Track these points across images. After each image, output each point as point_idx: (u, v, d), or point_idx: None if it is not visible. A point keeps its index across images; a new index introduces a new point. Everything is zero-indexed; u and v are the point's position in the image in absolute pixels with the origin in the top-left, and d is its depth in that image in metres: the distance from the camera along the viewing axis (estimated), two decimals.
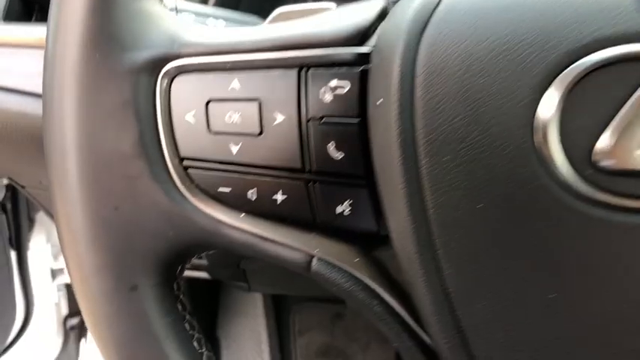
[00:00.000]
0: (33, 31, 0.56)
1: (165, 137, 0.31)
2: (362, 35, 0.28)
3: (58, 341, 1.22)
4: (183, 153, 0.31)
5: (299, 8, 0.43)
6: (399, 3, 0.27)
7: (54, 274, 1.21)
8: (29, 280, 1.20)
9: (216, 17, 0.51)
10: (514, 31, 0.22)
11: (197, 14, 0.52)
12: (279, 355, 1.01)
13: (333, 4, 0.44)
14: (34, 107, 0.53)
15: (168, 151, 0.31)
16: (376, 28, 0.28)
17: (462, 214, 0.24)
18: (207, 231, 0.31)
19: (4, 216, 1.12)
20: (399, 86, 0.24)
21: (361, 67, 0.27)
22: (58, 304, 1.21)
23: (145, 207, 0.30)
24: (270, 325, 1.01)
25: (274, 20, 0.42)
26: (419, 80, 0.24)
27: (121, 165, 0.30)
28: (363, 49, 0.27)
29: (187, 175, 0.31)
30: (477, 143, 0.23)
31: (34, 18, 0.67)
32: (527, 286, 0.24)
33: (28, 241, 1.18)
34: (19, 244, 1.17)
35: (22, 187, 0.70)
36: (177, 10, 0.48)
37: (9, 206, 1.12)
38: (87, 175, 0.30)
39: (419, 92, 0.24)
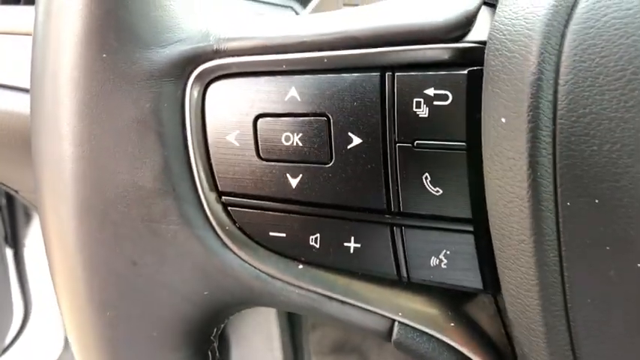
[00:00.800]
0: (22, 16, 0.51)
1: (198, 165, 0.26)
2: (467, 24, 0.23)
3: (60, 340, 1.21)
4: (224, 187, 0.26)
5: None
6: None
7: None
8: (27, 279, 1.22)
9: None
10: None
11: None
12: (292, 352, 1.01)
13: None
14: (25, 105, 0.48)
15: (203, 185, 0.26)
16: (477, 15, 0.24)
17: (612, 277, 0.20)
18: (253, 289, 0.26)
19: None
20: (533, 100, 0.20)
21: (468, 69, 0.23)
22: None
23: (172, 260, 0.26)
24: (282, 319, 1.02)
25: (322, 5, 0.35)
26: (563, 91, 0.20)
27: (139, 204, 0.25)
28: (470, 44, 0.23)
29: (229, 215, 0.27)
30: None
31: (22, 1, 0.61)
32: None
33: (25, 237, 1.19)
34: (15, 241, 1.19)
35: (16, 191, 0.66)
36: None
37: (3, 201, 1.15)
38: (92, 220, 0.25)
39: (563, 108, 0.20)
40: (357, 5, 0.38)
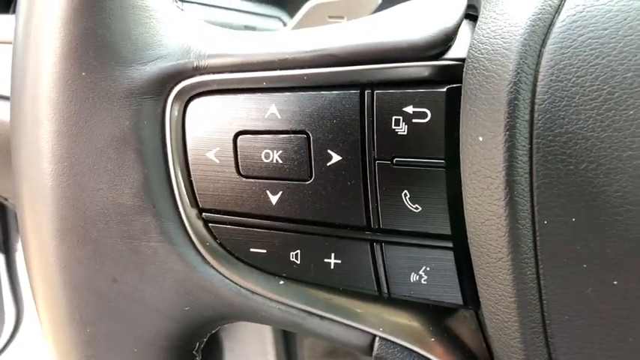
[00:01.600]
0: (10, 25, 0.46)
1: (178, 182, 0.26)
2: (446, 41, 0.23)
3: None
4: (204, 203, 0.26)
5: None
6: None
7: None
8: (19, 284, 1.19)
9: (227, 8, 0.44)
10: None
11: (203, 4, 0.45)
12: (286, 358, 1.00)
13: None
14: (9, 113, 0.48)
15: (184, 201, 0.26)
16: (456, 32, 0.24)
17: (589, 294, 0.20)
18: (234, 304, 0.26)
19: None
20: (510, 119, 0.20)
21: (447, 87, 0.23)
22: None
23: (152, 277, 0.25)
24: None
25: (308, 16, 0.35)
26: (539, 111, 0.20)
27: (119, 222, 0.25)
28: (449, 62, 0.23)
29: (209, 231, 0.26)
30: (618, 200, 0.19)
31: (11, 10, 0.61)
32: None
33: (17, 242, 1.17)
34: (7, 246, 1.16)
35: (5, 199, 0.66)
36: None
37: None
38: (72, 237, 0.25)
39: (539, 127, 0.20)
40: (342, 18, 0.37)
